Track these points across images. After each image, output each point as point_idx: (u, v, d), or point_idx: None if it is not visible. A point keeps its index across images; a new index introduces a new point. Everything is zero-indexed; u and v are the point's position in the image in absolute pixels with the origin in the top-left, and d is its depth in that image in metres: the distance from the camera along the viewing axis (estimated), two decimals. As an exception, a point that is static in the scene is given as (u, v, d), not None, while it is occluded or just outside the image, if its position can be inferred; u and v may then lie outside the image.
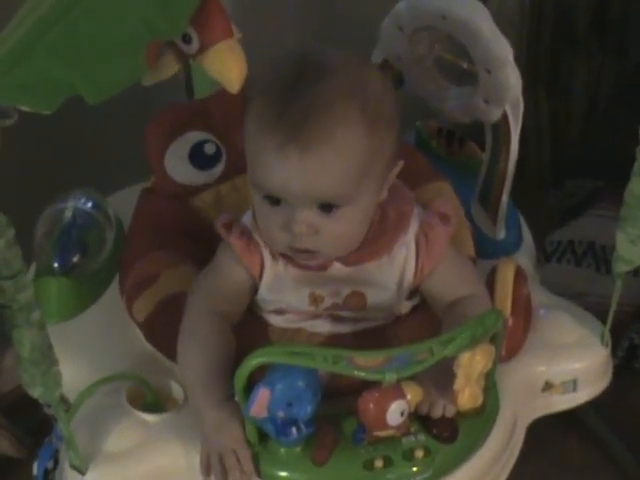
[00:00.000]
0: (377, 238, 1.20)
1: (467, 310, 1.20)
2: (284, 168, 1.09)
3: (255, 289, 1.24)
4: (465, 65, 1.46)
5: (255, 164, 1.13)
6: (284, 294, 1.23)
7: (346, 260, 1.20)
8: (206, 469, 1.13)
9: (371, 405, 1.06)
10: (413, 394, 1.07)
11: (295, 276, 1.22)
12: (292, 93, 1.09)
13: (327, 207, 1.12)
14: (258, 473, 1.11)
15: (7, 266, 0.94)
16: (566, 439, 1.73)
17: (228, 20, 1.32)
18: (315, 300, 1.22)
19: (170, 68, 1.37)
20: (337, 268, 1.21)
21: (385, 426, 1.07)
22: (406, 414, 1.07)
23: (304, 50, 1.15)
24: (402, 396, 1.06)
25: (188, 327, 1.21)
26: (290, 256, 1.19)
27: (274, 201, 1.13)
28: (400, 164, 1.19)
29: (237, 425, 1.11)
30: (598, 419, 1.73)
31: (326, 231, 1.13)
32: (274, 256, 1.21)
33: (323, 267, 1.21)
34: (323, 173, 1.09)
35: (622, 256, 1.24)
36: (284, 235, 1.14)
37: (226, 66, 1.33)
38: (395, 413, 1.06)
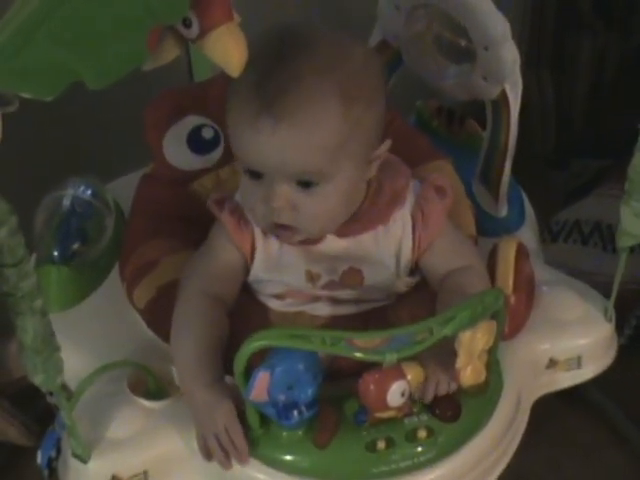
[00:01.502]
0: (372, 209, 1.21)
1: (461, 280, 1.20)
2: (258, 140, 1.11)
3: (247, 270, 1.24)
4: (463, 42, 1.45)
5: (233, 137, 1.15)
6: (280, 272, 1.22)
7: (340, 231, 1.20)
8: (205, 452, 1.13)
9: (371, 386, 1.05)
10: (414, 374, 1.06)
11: (290, 253, 1.21)
12: (269, 67, 1.10)
13: (305, 184, 1.12)
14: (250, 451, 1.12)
15: (10, 254, 0.94)
16: (571, 418, 1.72)
17: (228, 4, 1.31)
18: (312, 278, 1.22)
19: (170, 53, 1.36)
20: (331, 241, 1.21)
21: (386, 407, 1.07)
22: (407, 394, 1.07)
23: (285, 25, 1.16)
24: (402, 376, 1.05)
25: (180, 309, 1.21)
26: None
27: (255, 175, 1.14)
28: (387, 143, 1.19)
29: (227, 403, 1.11)
30: (604, 397, 1.72)
31: (305, 208, 1.14)
32: (267, 234, 1.21)
33: (317, 240, 1.21)
34: (296, 146, 1.10)
35: (626, 230, 1.24)
36: (264, 209, 1.15)
37: (227, 50, 1.31)
38: (396, 394, 1.06)
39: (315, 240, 1.21)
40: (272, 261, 1.22)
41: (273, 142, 1.10)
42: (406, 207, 1.22)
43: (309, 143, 1.10)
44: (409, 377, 1.06)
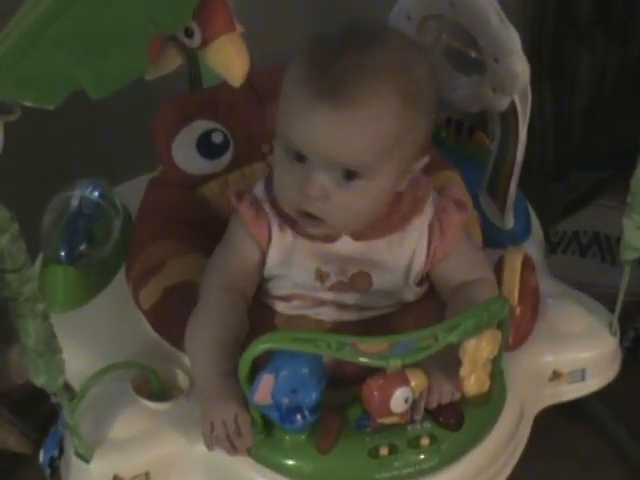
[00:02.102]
0: (390, 216, 1.21)
1: (474, 293, 1.20)
2: (313, 120, 1.11)
3: (264, 262, 1.25)
4: (473, 54, 1.45)
5: (285, 114, 1.15)
6: (291, 267, 1.23)
7: (356, 234, 1.21)
8: (209, 441, 1.12)
9: (375, 392, 1.05)
10: (417, 381, 1.06)
11: (303, 249, 1.22)
12: (336, 54, 1.11)
13: (350, 174, 1.13)
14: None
15: (11, 260, 0.95)
16: (573, 431, 1.71)
17: (230, 14, 1.32)
18: (321, 276, 1.22)
19: (173, 62, 1.37)
20: (346, 242, 1.22)
21: (389, 413, 1.07)
22: (410, 401, 1.07)
23: (358, 18, 1.17)
24: (406, 383, 1.05)
25: (201, 305, 1.22)
26: (299, 225, 1.20)
27: (298, 157, 1.14)
28: (425, 159, 1.20)
29: (239, 394, 1.10)
30: (605, 411, 1.71)
31: (337, 199, 1.14)
32: (283, 228, 1.22)
33: (332, 239, 1.21)
34: (350, 134, 1.11)
35: (630, 243, 1.24)
36: (296, 195, 1.15)
37: (228, 60, 1.33)
38: (399, 400, 1.06)
39: (330, 239, 1.21)
40: (285, 254, 1.23)
41: (329, 126, 1.10)
42: (424, 218, 1.23)
43: (364, 134, 1.11)
44: (413, 384, 1.06)
